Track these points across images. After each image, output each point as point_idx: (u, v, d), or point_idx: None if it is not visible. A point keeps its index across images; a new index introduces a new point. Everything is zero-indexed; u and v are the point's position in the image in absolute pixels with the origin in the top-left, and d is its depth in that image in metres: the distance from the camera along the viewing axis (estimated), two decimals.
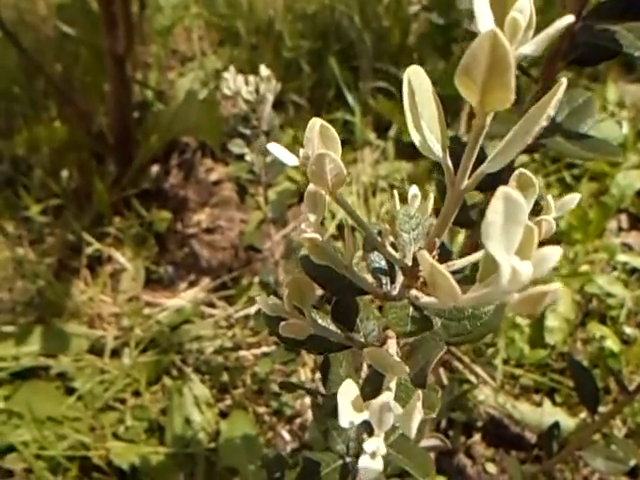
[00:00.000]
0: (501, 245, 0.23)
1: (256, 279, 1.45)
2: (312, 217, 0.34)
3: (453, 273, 0.32)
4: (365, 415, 0.30)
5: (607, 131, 1.54)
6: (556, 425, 0.89)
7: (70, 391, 1.22)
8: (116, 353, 1.31)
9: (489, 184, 0.31)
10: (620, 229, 1.50)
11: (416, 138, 0.30)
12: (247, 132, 0.97)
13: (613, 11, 0.51)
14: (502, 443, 1.16)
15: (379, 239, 0.35)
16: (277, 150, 0.33)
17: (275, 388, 1.24)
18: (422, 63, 1.53)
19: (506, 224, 0.23)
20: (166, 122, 1.71)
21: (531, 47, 0.26)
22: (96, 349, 1.30)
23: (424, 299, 0.33)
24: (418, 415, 0.29)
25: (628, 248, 1.44)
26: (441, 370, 1.17)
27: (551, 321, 1.24)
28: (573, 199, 0.33)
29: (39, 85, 1.86)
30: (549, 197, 0.32)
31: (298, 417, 1.19)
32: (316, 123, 0.31)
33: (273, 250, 1.10)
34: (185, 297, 1.43)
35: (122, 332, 1.34)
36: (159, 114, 1.78)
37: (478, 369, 1.22)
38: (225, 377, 1.26)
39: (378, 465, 0.29)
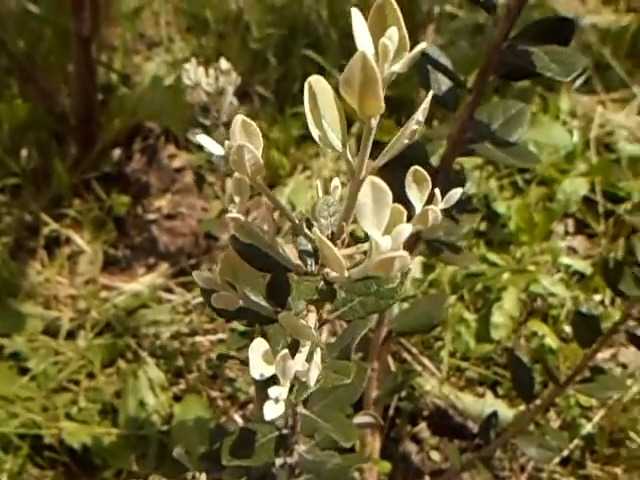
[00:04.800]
0: (372, 223, 0.28)
1: (215, 267, 1.46)
2: (237, 199, 0.39)
3: (364, 253, 0.38)
4: (273, 368, 0.34)
5: (558, 138, 1.61)
6: (494, 414, 0.95)
7: (23, 371, 1.22)
8: (71, 335, 1.31)
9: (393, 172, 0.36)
10: (567, 233, 1.57)
11: (316, 133, 0.34)
12: (207, 123, 0.99)
13: (538, 35, 0.56)
14: (446, 432, 1.21)
15: (297, 223, 0.40)
16: (205, 141, 0.37)
17: (230, 374, 1.26)
18: None
19: (375, 206, 0.28)
20: (130, 106, 1.71)
21: (399, 66, 0.31)
22: (51, 330, 1.30)
23: (332, 274, 0.38)
24: (316, 369, 0.35)
25: (573, 251, 1.52)
26: (390, 361, 1.22)
27: (497, 317, 1.31)
28: (456, 193, 0.38)
29: (1, 61, 1.82)
30: (436, 190, 0.37)
31: (251, 402, 1.22)
32: (239, 119, 0.36)
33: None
34: (143, 282, 1.44)
35: (78, 314, 1.34)
36: (123, 98, 1.77)
37: (425, 360, 1.27)
38: (180, 362, 1.28)
39: (280, 409, 0.34)
